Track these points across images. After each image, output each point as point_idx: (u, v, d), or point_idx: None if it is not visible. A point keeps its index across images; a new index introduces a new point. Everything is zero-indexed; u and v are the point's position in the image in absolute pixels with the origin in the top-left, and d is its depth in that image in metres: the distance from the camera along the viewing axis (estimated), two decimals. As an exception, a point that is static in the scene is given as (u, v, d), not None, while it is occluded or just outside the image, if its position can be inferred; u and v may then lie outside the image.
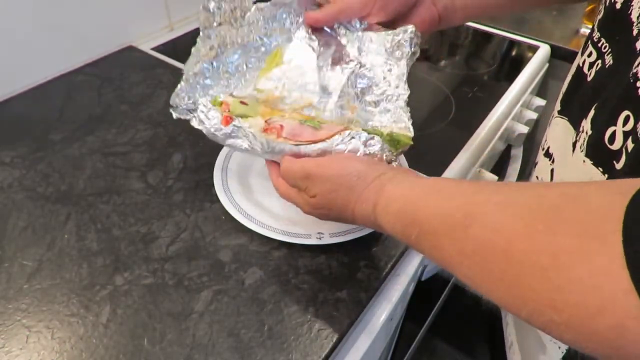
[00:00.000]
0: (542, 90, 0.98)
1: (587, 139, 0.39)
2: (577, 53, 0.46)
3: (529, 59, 0.89)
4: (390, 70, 0.48)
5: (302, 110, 0.47)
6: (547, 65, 0.93)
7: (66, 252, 0.48)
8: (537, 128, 1.01)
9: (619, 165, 0.34)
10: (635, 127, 0.32)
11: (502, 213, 0.27)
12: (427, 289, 0.66)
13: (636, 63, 0.33)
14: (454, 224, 0.29)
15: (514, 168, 0.95)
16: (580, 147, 0.39)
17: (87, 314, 0.43)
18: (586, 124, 0.39)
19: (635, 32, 0.36)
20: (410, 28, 0.48)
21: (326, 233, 0.48)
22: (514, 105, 0.79)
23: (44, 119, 0.65)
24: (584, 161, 0.39)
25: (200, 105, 0.46)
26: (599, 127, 0.37)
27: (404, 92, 0.47)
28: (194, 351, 0.40)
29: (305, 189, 0.41)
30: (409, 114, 0.47)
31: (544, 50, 0.91)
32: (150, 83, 0.72)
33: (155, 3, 0.84)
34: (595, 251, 0.21)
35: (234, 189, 0.53)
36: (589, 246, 0.22)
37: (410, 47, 0.48)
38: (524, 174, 0.98)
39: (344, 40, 0.49)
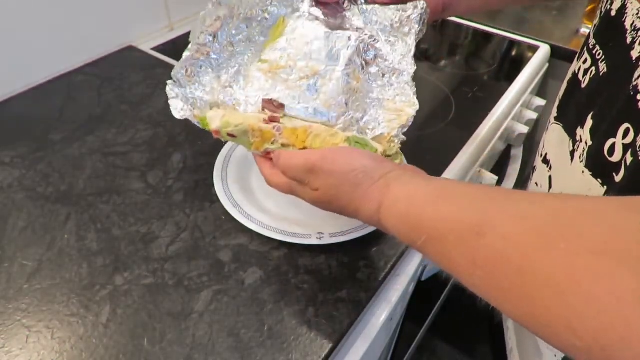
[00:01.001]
0: (542, 90, 0.98)
1: (587, 149, 0.39)
2: (577, 53, 0.46)
3: (529, 59, 0.89)
4: (395, 44, 0.48)
5: (307, 80, 0.46)
6: (547, 65, 0.93)
7: (66, 252, 0.48)
8: (537, 128, 1.01)
9: (618, 178, 0.33)
10: (635, 140, 0.32)
11: (518, 225, 0.25)
12: (427, 289, 0.66)
13: (636, 75, 0.33)
14: (464, 232, 0.28)
15: (514, 168, 0.95)
16: (580, 157, 0.39)
17: (87, 314, 0.43)
18: (584, 134, 0.39)
19: (629, 40, 0.35)
20: (421, 4, 0.47)
21: (326, 233, 0.48)
22: (514, 105, 0.79)
23: (44, 119, 0.65)
24: (583, 172, 0.38)
25: (192, 119, 0.46)
26: (598, 138, 0.37)
27: (410, 67, 0.47)
28: (194, 351, 0.40)
29: (307, 183, 0.39)
30: (414, 89, 0.46)
31: (544, 50, 0.91)
32: (150, 83, 0.72)
33: (155, 3, 0.84)
34: (618, 276, 0.20)
35: (234, 189, 0.53)
36: (611, 269, 0.20)
37: (420, 25, 0.48)
38: (524, 175, 0.98)
39: (349, 14, 0.49)
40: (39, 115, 0.65)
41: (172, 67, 0.44)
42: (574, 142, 0.41)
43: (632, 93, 0.33)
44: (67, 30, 0.72)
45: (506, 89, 0.79)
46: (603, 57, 0.39)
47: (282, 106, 0.45)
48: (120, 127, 0.64)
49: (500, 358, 0.58)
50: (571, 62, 0.48)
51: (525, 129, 0.88)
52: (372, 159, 0.38)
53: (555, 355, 0.42)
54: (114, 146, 0.61)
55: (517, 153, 0.97)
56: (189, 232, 0.50)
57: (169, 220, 0.51)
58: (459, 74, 0.86)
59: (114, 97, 0.69)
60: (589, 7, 0.98)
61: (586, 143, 0.39)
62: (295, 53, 0.47)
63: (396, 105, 0.46)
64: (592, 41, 0.42)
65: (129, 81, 0.73)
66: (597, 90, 0.39)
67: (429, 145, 0.67)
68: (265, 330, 0.42)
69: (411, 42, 0.48)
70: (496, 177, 0.74)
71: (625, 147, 0.33)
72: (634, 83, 0.33)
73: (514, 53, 0.94)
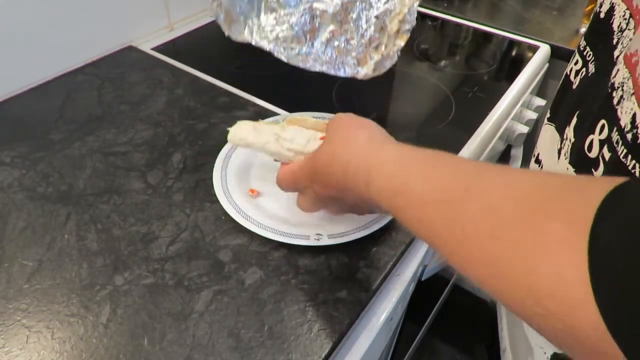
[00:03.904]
0: (542, 90, 0.98)
1: (570, 146, 0.39)
2: None
3: (529, 59, 0.89)
4: None
5: None
6: (547, 65, 0.93)
7: (66, 252, 0.48)
8: (537, 128, 1.01)
9: (597, 174, 0.34)
10: (609, 135, 0.32)
11: (502, 195, 0.26)
12: (427, 289, 0.66)
13: (613, 73, 0.34)
14: (451, 198, 0.28)
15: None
16: (565, 155, 0.40)
17: (87, 314, 0.43)
18: (569, 132, 0.40)
19: (614, 41, 0.36)
20: None
21: (324, 234, 0.48)
22: (514, 105, 0.79)
23: (44, 119, 0.65)
24: (567, 168, 0.39)
25: None
26: (580, 136, 0.37)
27: None
28: (194, 351, 0.40)
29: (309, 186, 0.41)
30: None
31: (544, 50, 0.91)
32: (150, 83, 0.72)
33: (155, 3, 0.84)
34: (580, 246, 0.20)
35: (234, 189, 0.53)
36: (576, 241, 0.21)
37: None
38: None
39: None
40: (39, 115, 0.65)
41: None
42: (562, 140, 0.42)
43: (609, 90, 0.34)
44: (67, 30, 0.72)
45: (506, 89, 0.79)
46: (592, 58, 0.40)
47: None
48: (120, 127, 0.64)
49: (496, 356, 0.58)
50: (571, 61, 0.49)
51: (525, 129, 0.88)
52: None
53: (545, 353, 0.43)
54: (114, 146, 0.61)
55: (517, 153, 0.97)
56: (189, 232, 0.50)
57: (169, 220, 0.51)
58: (459, 74, 0.86)
59: (114, 97, 0.69)
60: (589, 7, 0.98)
61: (570, 140, 0.40)
62: None
63: None
64: (582, 43, 0.43)
65: (129, 81, 0.73)
66: (586, 91, 0.40)
67: (429, 145, 0.67)
68: (265, 330, 0.42)
69: None
70: (496, 177, 0.74)
71: (601, 143, 0.34)
72: (612, 81, 0.34)
73: (514, 53, 0.94)
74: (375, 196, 0.35)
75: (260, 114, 0.66)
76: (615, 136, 0.31)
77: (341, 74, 0.58)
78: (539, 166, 0.48)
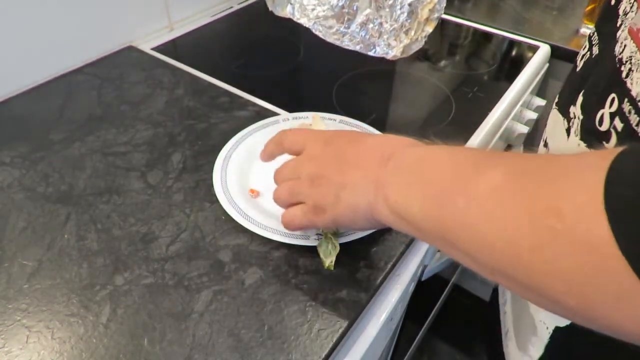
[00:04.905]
0: (542, 90, 0.98)
1: (579, 123, 0.41)
2: (577, 53, 0.48)
3: (529, 59, 0.88)
4: None
5: None
6: (547, 65, 0.93)
7: (66, 252, 0.48)
8: (537, 128, 1.01)
9: (609, 145, 0.36)
10: (620, 107, 0.34)
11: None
12: (427, 289, 0.66)
13: (619, 49, 0.36)
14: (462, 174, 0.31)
15: (514, 168, 0.94)
16: (575, 132, 0.42)
17: (87, 314, 0.43)
18: (576, 110, 0.42)
19: (618, 23, 0.38)
20: None
21: (326, 233, 0.48)
22: (514, 105, 0.79)
23: (44, 119, 0.65)
24: (579, 144, 0.41)
25: None
26: (590, 112, 0.39)
27: None
28: (194, 351, 0.40)
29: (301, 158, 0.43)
30: None
31: (544, 50, 0.91)
32: (150, 83, 0.72)
33: (155, 3, 0.84)
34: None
35: (234, 189, 0.53)
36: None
37: None
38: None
39: None
40: (39, 115, 0.65)
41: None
42: (568, 120, 0.44)
43: (617, 65, 0.35)
44: (67, 30, 0.72)
45: (506, 89, 0.79)
46: (598, 41, 0.42)
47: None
48: (120, 127, 0.64)
49: (495, 349, 0.58)
50: (571, 62, 0.50)
51: (525, 129, 0.88)
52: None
53: (547, 328, 0.43)
54: (114, 146, 0.61)
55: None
56: (189, 232, 0.50)
57: (169, 220, 0.51)
58: (459, 74, 0.86)
59: (114, 97, 0.69)
60: (589, 7, 0.98)
61: (579, 118, 0.41)
62: None
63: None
64: (592, 30, 0.45)
65: (129, 81, 0.73)
66: (589, 71, 0.42)
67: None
68: (265, 330, 0.42)
69: None
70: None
71: (612, 115, 0.35)
72: (619, 56, 0.35)
73: (514, 53, 0.94)
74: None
75: (260, 114, 0.66)
76: (626, 107, 0.33)
77: (372, 53, 0.65)
78: (547, 150, 0.50)
